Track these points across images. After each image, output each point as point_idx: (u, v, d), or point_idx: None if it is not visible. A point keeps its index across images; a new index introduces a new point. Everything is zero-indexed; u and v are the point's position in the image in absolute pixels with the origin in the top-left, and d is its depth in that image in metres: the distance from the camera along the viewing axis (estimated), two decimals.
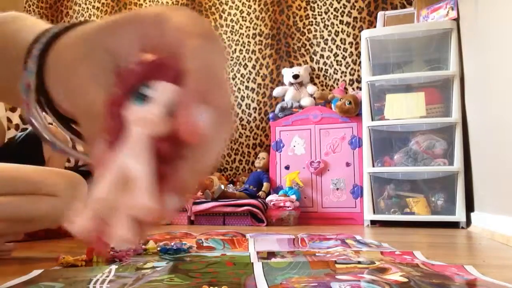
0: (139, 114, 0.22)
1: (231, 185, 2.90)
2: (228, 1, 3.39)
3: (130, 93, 0.23)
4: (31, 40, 0.31)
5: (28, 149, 1.63)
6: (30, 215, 1.09)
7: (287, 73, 3.07)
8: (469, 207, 2.18)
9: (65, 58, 0.28)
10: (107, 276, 0.78)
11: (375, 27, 2.80)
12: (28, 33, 0.32)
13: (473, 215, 2.11)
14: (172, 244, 1.16)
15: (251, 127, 3.21)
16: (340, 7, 3.07)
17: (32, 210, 1.09)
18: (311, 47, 3.15)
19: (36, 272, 0.82)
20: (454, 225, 2.23)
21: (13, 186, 1.09)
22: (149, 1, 3.64)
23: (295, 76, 3.00)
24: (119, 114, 0.22)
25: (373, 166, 2.41)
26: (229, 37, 3.35)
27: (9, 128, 1.97)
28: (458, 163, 2.23)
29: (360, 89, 2.71)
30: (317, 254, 1.08)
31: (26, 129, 1.95)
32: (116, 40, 0.26)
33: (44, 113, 0.31)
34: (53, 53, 0.29)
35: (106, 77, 0.26)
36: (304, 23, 3.18)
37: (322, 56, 3.11)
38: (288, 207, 2.50)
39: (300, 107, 2.93)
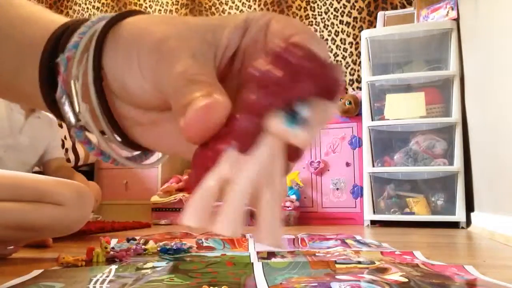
0: (295, 137, 0.20)
1: None
2: (228, 1, 3.39)
3: (279, 106, 0.19)
4: (56, 26, 0.26)
5: None
6: (34, 222, 1.08)
7: None
8: (469, 207, 2.18)
9: (141, 25, 0.23)
10: (107, 276, 0.78)
11: (375, 27, 2.80)
12: (43, 20, 0.27)
13: (473, 215, 2.11)
14: (172, 244, 1.16)
15: None
16: (340, 7, 3.07)
17: (36, 218, 1.08)
18: None
19: (36, 272, 0.82)
20: (454, 225, 2.23)
21: (19, 192, 1.09)
22: (149, 1, 3.64)
23: None
24: (256, 122, 0.20)
25: (373, 166, 2.41)
26: None
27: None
28: (458, 163, 2.23)
29: (360, 89, 2.71)
30: (317, 254, 1.08)
31: None
32: (219, 35, 0.22)
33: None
34: (117, 30, 0.24)
35: (208, 59, 0.22)
36: (304, 23, 3.18)
37: None
38: (288, 207, 2.50)
39: None
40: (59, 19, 0.27)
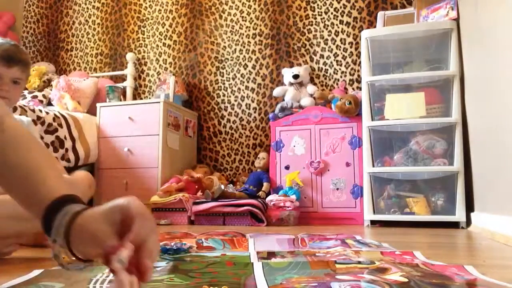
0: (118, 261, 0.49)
1: (231, 185, 2.90)
2: (228, 1, 3.39)
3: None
4: (50, 202, 0.57)
5: None
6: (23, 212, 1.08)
7: (287, 73, 3.07)
8: (469, 207, 2.18)
9: (86, 227, 0.53)
10: (107, 276, 0.78)
11: (375, 27, 2.80)
12: (47, 187, 0.59)
13: (473, 215, 2.11)
14: (172, 244, 1.16)
15: (251, 127, 3.21)
16: (340, 7, 3.07)
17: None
18: (311, 47, 3.15)
19: (36, 272, 0.82)
20: (454, 225, 2.23)
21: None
22: (149, 1, 3.64)
23: (295, 76, 3.00)
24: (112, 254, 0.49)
25: (373, 166, 2.41)
26: (229, 37, 3.35)
27: None
28: (458, 163, 2.23)
29: (360, 89, 2.71)
30: (317, 254, 1.08)
31: None
32: (112, 218, 0.53)
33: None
34: (77, 224, 0.54)
35: (110, 234, 0.52)
36: (304, 23, 3.18)
37: (322, 56, 3.11)
38: (288, 207, 2.50)
39: (300, 107, 2.93)
40: (54, 191, 0.58)
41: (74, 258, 0.55)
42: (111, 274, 0.51)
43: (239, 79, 3.29)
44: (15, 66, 1.42)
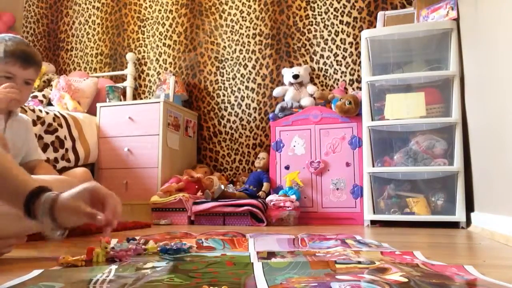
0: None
1: (231, 185, 2.90)
2: (228, 1, 3.39)
3: None
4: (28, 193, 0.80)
5: None
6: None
7: (287, 73, 3.07)
8: (469, 207, 2.18)
9: (68, 205, 0.79)
10: (107, 276, 0.78)
11: (375, 27, 2.81)
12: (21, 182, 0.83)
13: (473, 215, 2.11)
14: (172, 244, 1.16)
15: (251, 127, 3.21)
16: (340, 7, 3.07)
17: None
18: (311, 47, 3.15)
19: (36, 272, 0.82)
20: (454, 225, 2.23)
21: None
22: (149, 1, 3.64)
23: (295, 76, 3.00)
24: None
25: (373, 166, 2.41)
26: (229, 37, 3.35)
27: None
28: (458, 163, 2.23)
29: (360, 89, 2.71)
30: (317, 254, 1.08)
31: None
32: (83, 197, 0.81)
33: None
34: (59, 204, 0.79)
35: (86, 206, 0.80)
36: (304, 23, 3.18)
37: (322, 56, 3.11)
38: (288, 207, 2.50)
39: (300, 107, 2.93)
40: (29, 184, 0.82)
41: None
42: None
43: (239, 79, 3.29)
44: (30, 67, 1.43)
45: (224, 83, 3.33)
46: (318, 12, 3.14)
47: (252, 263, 0.92)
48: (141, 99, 3.55)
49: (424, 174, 2.32)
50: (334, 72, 3.06)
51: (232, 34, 3.35)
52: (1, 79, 1.41)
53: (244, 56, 3.29)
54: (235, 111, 3.27)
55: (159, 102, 2.94)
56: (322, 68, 3.11)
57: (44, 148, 2.54)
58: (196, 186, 2.84)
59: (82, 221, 0.81)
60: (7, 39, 1.42)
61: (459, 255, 1.24)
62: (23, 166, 1.74)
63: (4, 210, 1.03)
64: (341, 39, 3.05)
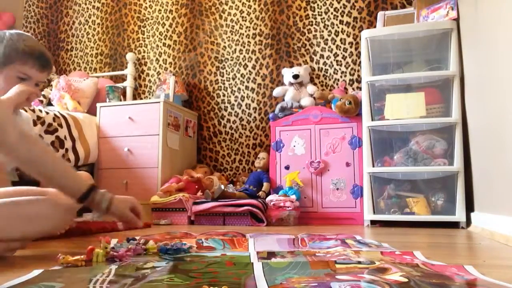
0: None
1: (231, 185, 2.90)
2: (228, 1, 3.39)
3: None
4: (84, 189, 1.10)
5: None
6: (32, 212, 1.08)
7: (287, 73, 3.07)
8: (469, 207, 2.18)
9: (118, 204, 1.16)
10: (107, 276, 0.78)
11: (375, 27, 2.81)
12: (72, 181, 1.11)
13: (473, 215, 2.11)
14: (172, 244, 1.16)
15: (251, 127, 3.21)
16: (340, 7, 3.07)
17: (32, 209, 1.09)
18: (311, 47, 3.15)
19: (36, 272, 0.82)
20: (454, 225, 2.23)
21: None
22: (149, 1, 3.64)
23: (295, 76, 3.00)
24: None
25: (373, 166, 2.41)
26: (229, 37, 3.35)
27: None
28: (458, 163, 2.23)
29: (360, 89, 2.71)
30: (317, 254, 1.08)
31: None
32: (128, 205, 1.21)
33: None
34: (114, 203, 1.15)
35: (129, 212, 1.21)
36: (304, 23, 3.18)
37: (322, 56, 3.11)
38: (288, 207, 2.50)
39: (300, 107, 2.93)
40: (83, 182, 1.11)
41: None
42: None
43: (239, 79, 3.29)
44: (46, 71, 1.42)
45: (224, 83, 3.33)
46: (318, 12, 3.14)
47: (252, 263, 0.92)
48: (141, 99, 3.55)
49: (424, 174, 2.32)
50: (334, 72, 3.06)
51: (232, 34, 3.35)
52: (14, 79, 1.35)
53: (244, 56, 3.29)
54: (235, 111, 3.27)
55: (159, 102, 2.94)
56: (322, 68, 3.11)
57: None
58: (196, 186, 2.84)
59: (121, 220, 1.21)
60: (25, 38, 1.36)
61: (459, 255, 1.24)
62: None
63: (8, 213, 1.03)
64: (341, 39, 3.06)
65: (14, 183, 1.42)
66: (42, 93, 3.31)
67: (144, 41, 3.63)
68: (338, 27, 3.07)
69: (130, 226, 1.98)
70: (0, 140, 0.95)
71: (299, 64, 3.15)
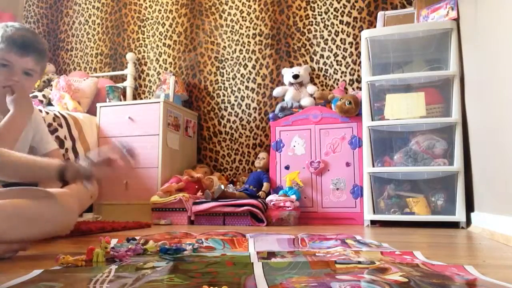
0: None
1: (231, 185, 2.90)
2: (228, 1, 3.39)
3: None
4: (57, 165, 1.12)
5: None
6: (34, 214, 1.08)
7: (287, 73, 3.07)
8: (469, 207, 2.18)
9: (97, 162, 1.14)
10: (107, 276, 0.78)
11: (375, 27, 2.81)
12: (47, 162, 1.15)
13: (473, 215, 2.11)
14: (173, 245, 1.16)
15: (251, 127, 3.21)
16: (340, 7, 3.07)
17: (36, 209, 1.08)
18: (311, 47, 3.15)
19: (36, 272, 0.82)
20: (454, 225, 2.23)
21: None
22: (149, 1, 3.64)
23: (295, 76, 3.00)
24: None
25: (373, 166, 2.41)
26: (229, 37, 3.35)
27: None
28: (458, 163, 2.23)
29: (360, 89, 2.71)
30: (317, 254, 1.08)
31: None
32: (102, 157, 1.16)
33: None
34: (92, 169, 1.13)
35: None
36: (304, 23, 3.18)
37: (322, 56, 3.11)
38: (288, 207, 2.50)
39: (300, 107, 2.93)
40: (52, 167, 1.11)
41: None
42: None
43: (239, 79, 3.29)
44: (28, 55, 1.31)
45: (224, 83, 3.33)
46: (318, 12, 3.14)
47: (252, 263, 0.92)
48: (141, 99, 3.55)
49: (424, 174, 2.32)
50: (334, 72, 3.06)
51: (232, 34, 3.35)
52: None
53: (244, 56, 3.29)
54: (235, 111, 3.27)
55: (159, 102, 2.94)
56: (322, 68, 3.11)
57: None
58: (196, 186, 2.84)
59: (111, 172, 1.14)
60: (9, 25, 1.32)
61: (459, 255, 1.24)
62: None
63: (9, 214, 1.03)
64: (341, 39, 3.06)
65: (5, 185, 1.40)
66: (42, 93, 3.31)
67: (144, 41, 3.63)
68: (338, 27, 3.07)
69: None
70: None
71: (299, 64, 3.15)
